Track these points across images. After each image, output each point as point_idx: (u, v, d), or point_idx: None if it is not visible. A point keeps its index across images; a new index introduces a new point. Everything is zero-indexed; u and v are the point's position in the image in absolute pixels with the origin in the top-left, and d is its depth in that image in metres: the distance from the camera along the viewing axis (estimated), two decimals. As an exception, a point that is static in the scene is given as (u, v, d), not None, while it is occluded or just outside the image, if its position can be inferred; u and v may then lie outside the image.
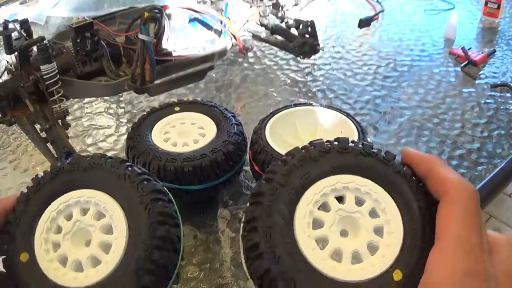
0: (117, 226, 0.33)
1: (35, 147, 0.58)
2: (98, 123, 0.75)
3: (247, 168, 0.59)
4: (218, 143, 0.54)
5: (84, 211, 0.35)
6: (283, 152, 0.51)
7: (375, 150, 0.33)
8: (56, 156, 0.56)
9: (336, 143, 0.33)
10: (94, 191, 0.35)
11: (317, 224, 0.31)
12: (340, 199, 0.32)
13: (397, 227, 0.31)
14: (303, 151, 0.33)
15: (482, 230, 0.27)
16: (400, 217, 0.31)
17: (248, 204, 0.32)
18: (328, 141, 0.33)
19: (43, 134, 0.57)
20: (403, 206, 0.31)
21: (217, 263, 0.52)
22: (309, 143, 0.34)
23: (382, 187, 0.32)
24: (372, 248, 0.31)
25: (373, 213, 0.32)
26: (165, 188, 0.36)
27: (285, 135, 0.58)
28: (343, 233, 0.31)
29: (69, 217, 0.35)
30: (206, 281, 0.50)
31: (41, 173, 0.36)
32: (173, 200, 0.36)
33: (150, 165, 0.52)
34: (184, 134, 0.57)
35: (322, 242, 0.31)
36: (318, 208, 0.32)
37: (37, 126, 0.58)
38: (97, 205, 0.35)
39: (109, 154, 0.67)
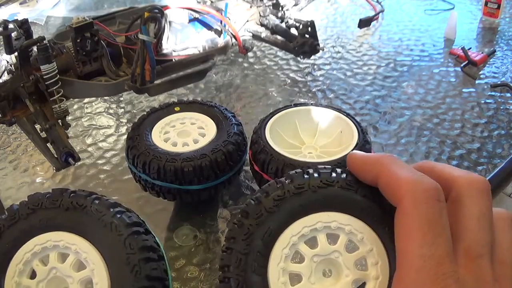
0: (97, 283, 0.30)
1: (35, 147, 0.58)
2: (98, 123, 0.75)
3: (247, 168, 0.59)
4: (218, 143, 0.54)
5: (63, 258, 0.31)
6: (283, 152, 0.52)
7: (334, 176, 0.29)
8: (56, 156, 0.56)
9: (288, 181, 0.29)
10: (76, 237, 0.31)
11: (295, 279, 0.28)
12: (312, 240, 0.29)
13: (380, 254, 0.27)
14: (253, 202, 0.29)
15: (446, 231, 0.22)
16: (381, 243, 0.27)
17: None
18: (279, 181, 0.29)
19: (43, 134, 0.57)
20: (380, 230, 0.27)
21: (217, 263, 0.52)
22: (260, 189, 0.30)
23: (351, 215, 0.28)
24: (360, 285, 0.27)
25: (351, 247, 0.28)
26: (157, 242, 0.33)
27: (285, 135, 0.58)
28: (323, 279, 0.28)
29: (45, 262, 0.31)
30: (206, 281, 0.50)
31: (17, 204, 0.32)
32: (165, 255, 0.33)
33: (150, 165, 0.52)
34: (184, 134, 0.57)
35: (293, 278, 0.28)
36: (291, 261, 0.28)
37: (37, 126, 0.58)
38: (78, 254, 0.31)
39: (109, 154, 0.68)
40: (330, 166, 0.30)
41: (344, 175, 0.29)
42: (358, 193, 0.28)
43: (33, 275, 0.31)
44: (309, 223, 0.28)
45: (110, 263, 0.30)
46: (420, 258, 0.20)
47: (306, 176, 0.29)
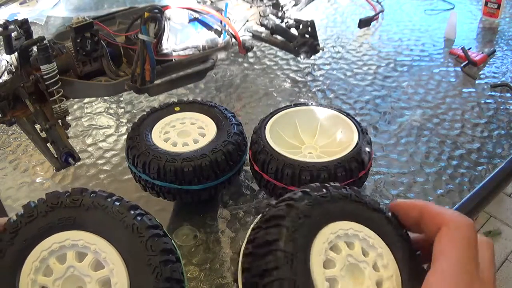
0: (117, 283, 0.29)
1: (35, 147, 0.58)
2: (98, 123, 0.75)
3: (247, 168, 0.59)
4: (218, 143, 0.54)
5: (80, 257, 0.31)
6: (283, 152, 0.52)
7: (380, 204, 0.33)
8: (56, 156, 0.56)
9: (350, 191, 0.33)
10: (95, 237, 0.31)
11: (328, 263, 0.30)
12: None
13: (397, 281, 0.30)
14: (323, 190, 0.32)
15: (477, 263, 0.28)
16: (399, 274, 0.30)
17: (258, 224, 0.30)
18: (344, 187, 0.33)
19: (43, 134, 0.57)
20: (401, 263, 0.31)
21: (217, 263, 0.52)
22: (326, 184, 0.33)
23: (384, 243, 0.32)
24: None
25: (375, 267, 0.31)
26: (174, 245, 0.33)
27: (285, 135, 0.58)
28: (349, 278, 0.30)
29: (62, 260, 0.31)
30: (206, 281, 0.50)
31: (35, 201, 0.32)
32: (181, 259, 0.33)
33: (150, 165, 0.52)
34: (184, 134, 0.57)
35: (331, 282, 0.29)
36: (330, 249, 0.30)
37: (37, 126, 0.58)
38: (97, 253, 0.30)
39: (109, 154, 0.68)
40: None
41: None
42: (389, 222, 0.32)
43: (49, 273, 0.30)
44: (356, 228, 0.31)
45: (130, 264, 0.30)
46: (458, 261, 0.27)
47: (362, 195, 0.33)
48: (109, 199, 0.32)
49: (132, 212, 0.32)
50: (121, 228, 0.31)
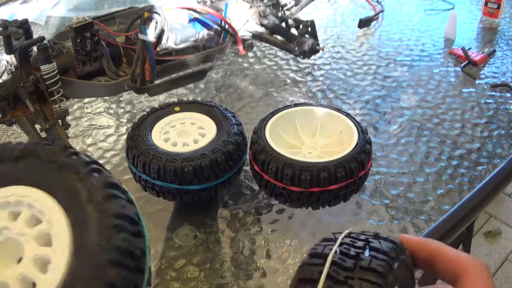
0: (57, 234, 0.25)
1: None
2: (98, 123, 0.75)
3: (247, 168, 0.59)
4: (218, 143, 0.54)
5: (15, 216, 0.27)
6: (283, 152, 0.52)
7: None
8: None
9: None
10: (27, 188, 0.26)
11: None
12: None
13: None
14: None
15: None
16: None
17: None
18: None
19: (43, 134, 0.57)
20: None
21: (217, 263, 0.52)
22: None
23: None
24: None
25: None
26: (123, 186, 0.28)
27: (285, 135, 0.58)
28: None
29: None
30: (206, 281, 0.50)
31: None
32: (134, 201, 0.28)
33: (150, 165, 0.52)
34: (184, 134, 0.57)
35: None
36: None
37: (37, 126, 0.58)
38: (31, 207, 0.26)
39: (109, 154, 0.68)
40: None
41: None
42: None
43: None
44: None
45: (70, 209, 0.26)
46: None
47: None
48: (39, 145, 0.28)
49: (65, 152, 0.27)
50: (55, 170, 0.26)
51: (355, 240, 0.28)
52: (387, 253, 0.27)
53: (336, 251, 0.27)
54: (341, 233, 0.29)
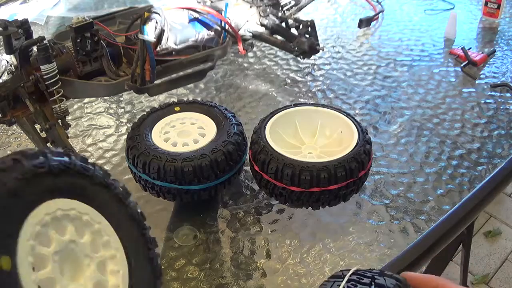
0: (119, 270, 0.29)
1: (35, 147, 0.58)
2: (98, 123, 0.75)
3: (247, 168, 0.59)
4: (218, 143, 0.54)
5: (81, 232, 0.28)
6: (283, 152, 0.52)
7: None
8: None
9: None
10: (98, 213, 0.30)
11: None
12: None
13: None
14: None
15: None
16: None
17: None
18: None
19: (43, 134, 0.57)
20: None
21: (217, 263, 0.52)
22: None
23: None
24: None
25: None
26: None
27: (285, 135, 0.58)
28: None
29: (62, 231, 0.27)
30: (206, 281, 0.50)
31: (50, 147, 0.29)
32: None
33: (150, 165, 0.52)
34: (184, 134, 0.57)
35: None
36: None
37: (37, 126, 0.58)
38: (97, 234, 0.29)
39: (109, 154, 0.68)
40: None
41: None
42: None
43: (48, 244, 0.26)
44: None
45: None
46: None
47: None
48: (112, 183, 0.31)
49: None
50: (125, 216, 0.31)
51: (362, 277, 0.30)
52: None
53: None
54: (349, 270, 0.31)
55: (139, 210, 0.33)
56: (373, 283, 0.29)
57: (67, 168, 0.28)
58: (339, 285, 0.29)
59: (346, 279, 0.30)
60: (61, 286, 0.26)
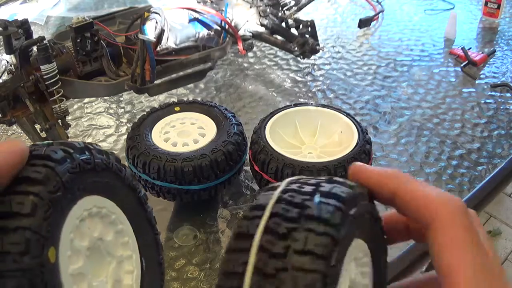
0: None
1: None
2: (98, 123, 0.75)
3: (247, 168, 0.59)
4: (218, 143, 0.54)
5: (107, 230, 0.29)
6: (283, 152, 0.52)
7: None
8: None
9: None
10: (123, 214, 0.30)
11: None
12: None
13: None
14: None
15: (483, 240, 0.23)
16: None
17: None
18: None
19: (43, 134, 0.57)
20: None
21: (217, 263, 0.52)
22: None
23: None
24: None
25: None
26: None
27: (285, 135, 0.58)
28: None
29: (94, 227, 0.27)
30: (206, 281, 0.50)
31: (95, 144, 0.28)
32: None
33: (150, 165, 0.52)
34: (184, 134, 0.57)
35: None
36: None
37: (37, 126, 0.58)
38: (119, 234, 0.30)
39: (109, 154, 0.68)
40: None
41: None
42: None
43: (83, 239, 0.27)
44: None
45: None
46: (473, 267, 0.22)
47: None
48: (137, 186, 0.31)
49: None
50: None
51: (303, 185, 0.23)
52: (341, 198, 0.22)
53: (279, 199, 0.22)
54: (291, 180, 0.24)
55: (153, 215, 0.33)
56: (317, 191, 0.22)
57: (107, 167, 0.28)
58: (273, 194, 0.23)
59: (281, 188, 0.23)
60: (88, 281, 0.26)
